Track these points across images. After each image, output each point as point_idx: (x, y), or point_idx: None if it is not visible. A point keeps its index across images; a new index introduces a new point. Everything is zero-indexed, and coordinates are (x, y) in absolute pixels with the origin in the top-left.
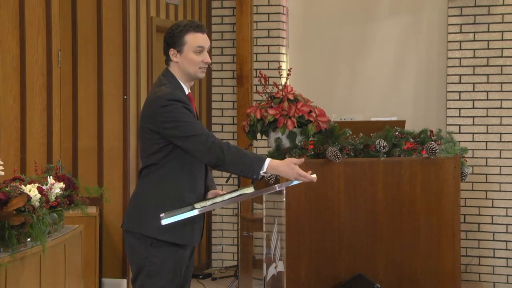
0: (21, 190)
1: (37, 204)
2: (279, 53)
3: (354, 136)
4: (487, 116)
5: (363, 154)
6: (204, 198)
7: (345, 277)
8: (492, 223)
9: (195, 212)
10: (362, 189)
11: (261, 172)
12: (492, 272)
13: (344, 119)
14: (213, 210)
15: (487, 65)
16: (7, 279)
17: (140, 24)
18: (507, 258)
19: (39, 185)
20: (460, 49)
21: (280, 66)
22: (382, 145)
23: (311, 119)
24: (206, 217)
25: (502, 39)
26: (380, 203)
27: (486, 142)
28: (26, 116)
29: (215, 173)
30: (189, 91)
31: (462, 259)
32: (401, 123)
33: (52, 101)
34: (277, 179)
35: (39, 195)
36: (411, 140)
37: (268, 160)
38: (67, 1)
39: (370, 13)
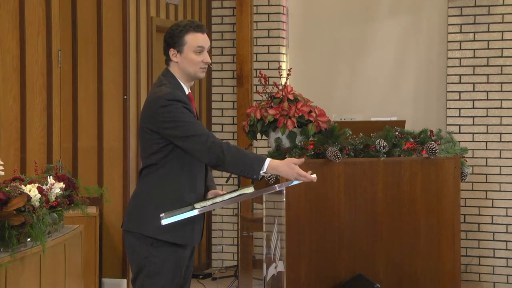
0: (21, 190)
1: (37, 204)
2: (279, 53)
3: (354, 136)
4: (487, 116)
5: (363, 154)
6: (204, 198)
7: (345, 277)
8: (492, 223)
9: (195, 212)
10: (362, 189)
11: (261, 172)
12: (492, 272)
13: (344, 119)
14: (213, 210)
15: (487, 65)
16: (7, 279)
17: (140, 24)
18: (507, 258)
19: (39, 185)
20: (460, 49)
21: (280, 66)
22: (382, 145)
23: (311, 119)
24: (206, 217)
25: (502, 39)
26: (380, 203)
27: (486, 142)
28: (26, 116)
29: (215, 173)
30: (189, 91)
31: (462, 259)
32: (401, 123)
33: (52, 101)
34: (277, 179)
35: (39, 195)
36: (411, 140)
37: (268, 160)
38: (67, 1)
39: (370, 13)
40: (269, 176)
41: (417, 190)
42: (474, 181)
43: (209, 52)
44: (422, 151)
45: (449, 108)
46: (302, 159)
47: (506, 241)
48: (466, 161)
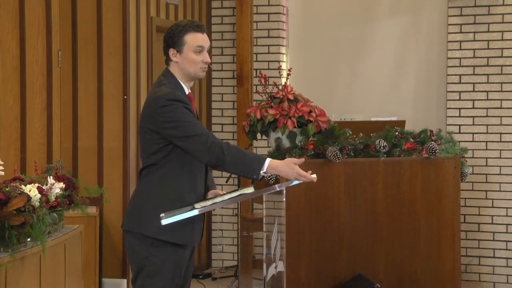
0: (21, 190)
1: (37, 204)
2: (279, 53)
3: (354, 136)
4: (487, 116)
5: (363, 154)
6: (204, 198)
7: (345, 277)
8: (492, 223)
9: (195, 212)
10: (362, 189)
11: (261, 172)
12: (492, 272)
13: (344, 119)
14: (213, 210)
15: (487, 65)
16: (7, 279)
17: (140, 24)
18: (507, 258)
19: (39, 185)
20: (460, 49)
21: (280, 66)
22: (382, 145)
23: (311, 119)
24: (206, 217)
25: (502, 39)
26: (380, 203)
27: (486, 142)
28: (26, 116)
29: (215, 173)
30: (189, 91)
31: (462, 259)
32: (401, 123)
33: (52, 101)
34: (277, 179)
35: (39, 195)
36: (411, 140)
37: (268, 160)
38: (67, 1)
39: (370, 13)
40: (269, 176)
41: (417, 190)
42: (474, 181)
43: (209, 52)
44: (422, 151)
45: (449, 108)
46: (302, 159)
47: (506, 241)
48: (466, 161)
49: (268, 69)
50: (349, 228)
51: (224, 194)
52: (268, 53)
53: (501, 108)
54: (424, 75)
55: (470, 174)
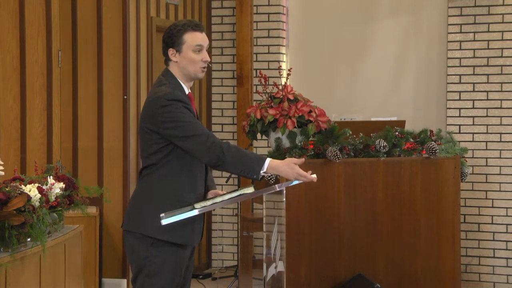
0: (21, 190)
1: (37, 204)
2: (279, 53)
3: (354, 136)
4: (487, 116)
5: (363, 154)
6: (204, 198)
7: (345, 277)
8: (492, 223)
9: (195, 212)
10: (362, 189)
11: (261, 172)
12: (492, 272)
13: (344, 119)
14: (213, 210)
15: (487, 65)
16: (7, 279)
17: (140, 24)
18: (507, 258)
19: (39, 185)
20: (460, 49)
21: (280, 66)
22: (382, 145)
23: (311, 119)
24: (206, 217)
25: (502, 39)
26: (380, 203)
27: (486, 142)
28: (26, 116)
29: (215, 173)
30: (189, 91)
31: (462, 259)
32: (401, 123)
33: (52, 101)
34: (277, 179)
35: (39, 195)
36: (411, 140)
37: (268, 160)
38: (67, 1)
39: (370, 13)
40: (269, 176)
41: (417, 190)
42: (474, 181)
43: (209, 52)
44: (422, 151)
45: (449, 108)
46: (302, 159)
47: (506, 241)
48: (466, 161)
49: (268, 69)
50: (349, 228)
51: (224, 194)
52: (268, 53)
53: (501, 108)
54: (424, 75)
55: (470, 174)
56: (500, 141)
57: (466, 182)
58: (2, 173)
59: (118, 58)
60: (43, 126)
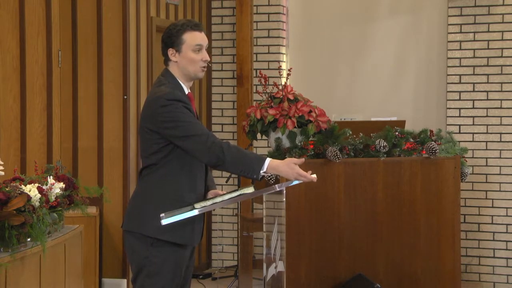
0: (21, 190)
1: (37, 204)
2: (279, 53)
3: (354, 136)
4: (487, 116)
5: (363, 154)
6: (204, 198)
7: (345, 277)
8: (492, 223)
9: (195, 212)
10: (362, 189)
11: (261, 172)
12: (492, 272)
13: (344, 119)
14: (213, 210)
15: (487, 65)
16: (7, 279)
17: (140, 24)
18: (507, 258)
19: (39, 185)
20: (460, 49)
21: (280, 66)
22: (382, 145)
23: (311, 119)
24: (206, 217)
25: (502, 39)
26: (380, 203)
27: (486, 142)
28: (26, 116)
29: (215, 173)
30: (189, 91)
31: (462, 259)
32: (401, 123)
33: (52, 101)
34: (277, 179)
35: (39, 195)
36: (411, 140)
37: (268, 160)
38: (67, 1)
39: (370, 13)
40: (269, 176)
41: (417, 190)
42: (474, 181)
43: (209, 52)
44: (422, 151)
45: (449, 108)
46: (302, 159)
47: (506, 241)
48: (466, 161)
49: (268, 69)
50: (349, 228)
51: (224, 194)
52: (268, 53)
53: (501, 108)
54: (424, 75)
55: (470, 174)
56: (500, 141)
57: (466, 182)
58: (2, 173)
59: (118, 58)
60: (43, 126)
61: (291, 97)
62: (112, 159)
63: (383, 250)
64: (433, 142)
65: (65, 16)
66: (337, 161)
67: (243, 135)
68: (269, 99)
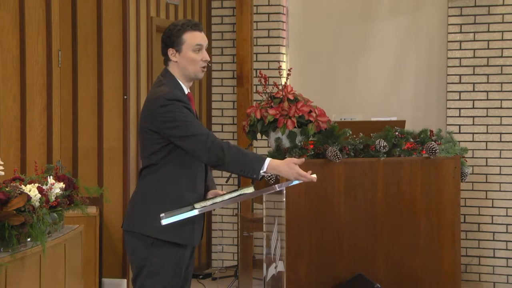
0: (21, 190)
1: (37, 204)
2: (279, 53)
3: (354, 136)
4: (487, 116)
5: (363, 154)
6: (204, 198)
7: (345, 277)
8: (492, 223)
9: (195, 212)
10: (362, 189)
11: (261, 171)
12: (492, 272)
13: (344, 119)
14: (213, 210)
15: (487, 65)
16: (7, 279)
17: (140, 24)
18: (507, 258)
19: (39, 185)
20: (460, 49)
21: (280, 66)
22: (382, 145)
23: (311, 119)
24: (206, 217)
25: (502, 39)
26: (380, 203)
27: (486, 142)
28: (26, 116)
29: (215, 173)
30: (189, 91)
31: (462, 259)
32: (401, 123)
33: (52, 101)
34: (277, 179)
35: (39, 195)
36: (411, 140)
37: (268, 159)
38: (67, 1)
39: (370, 13)
40: (269, 176)
41: (417, 190)
42: (474, 181)
43: (209, 52)
44: (422, 151)
45: (449, 108)
46: (302, 159)
47: (506, 241)
48: (466, 161)
49: (268, 69)
50: (349, 228)
51: (224, 194)
52: (268, 53)
53: (501, 108)
54: (424, 75)
55: (470, 174)
56: (500, 141)
57: (466, 182)
58: (2, 173)
59: (118, 58)
60: (43, 126)
61: (291, 97)
62: (112, 159)
63: (383, 250)
64: (433, 142)
65: (65, 16)
66: (337, 161)
67: (243, 135)
68: (269, 99)
